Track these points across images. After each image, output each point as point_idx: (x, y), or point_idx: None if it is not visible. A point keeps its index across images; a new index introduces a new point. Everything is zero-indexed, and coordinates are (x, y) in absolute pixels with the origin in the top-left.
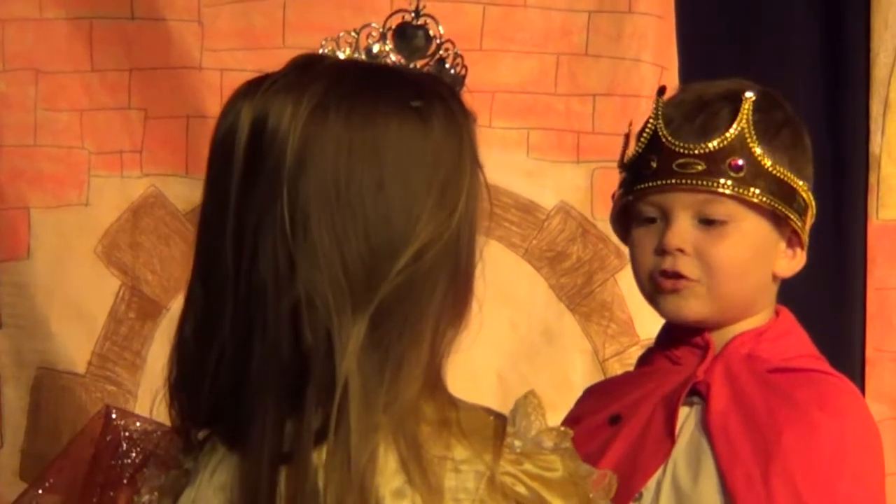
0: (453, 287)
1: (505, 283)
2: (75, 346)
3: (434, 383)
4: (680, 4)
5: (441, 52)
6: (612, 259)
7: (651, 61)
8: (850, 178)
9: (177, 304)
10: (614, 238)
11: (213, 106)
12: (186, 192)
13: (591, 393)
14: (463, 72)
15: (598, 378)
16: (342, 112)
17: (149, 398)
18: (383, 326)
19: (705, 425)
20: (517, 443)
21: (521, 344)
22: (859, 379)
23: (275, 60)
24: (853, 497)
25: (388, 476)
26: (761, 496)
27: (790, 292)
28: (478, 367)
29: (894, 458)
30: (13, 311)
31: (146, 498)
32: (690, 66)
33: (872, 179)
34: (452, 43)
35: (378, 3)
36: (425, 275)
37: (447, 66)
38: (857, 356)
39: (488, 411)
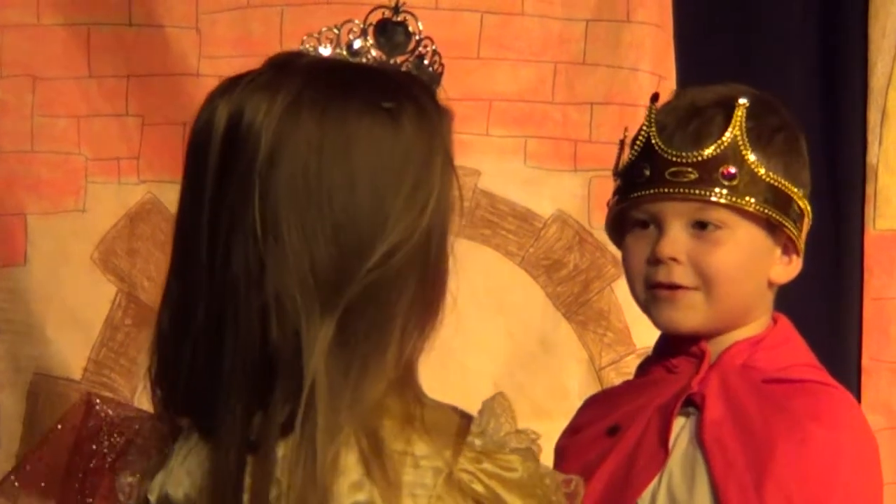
0: (422, 287)
1: (501, 291)
2: (71, 353)
3: (403, 380)
4: (678, 14)
5: (420, 48)
6: (608, 268)
7: (649, 70)
8: (848, 189)
9: None
10: (611, 247)
11: None
12: None
13: (591, 403)
14: (440, 69)
15: (594, 387)
16: (315, 111)
17: (144, 404)
18: (351, 326)
19: (700, 436)
20: (478, 441)
21: (517, 352)
22: (855, 389)
23: None
24: None
25: (348, 469)
26: None
27: (787, 302)
28: (474, 374)
29: (892, 467)
30: (9, 316)
31: (129, 479)
32: (688, 76)
33: (869, 190)
34: (431, 40)
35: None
36: (395, 275)
37: (426, 62)
38: (854, 366)
39: (455, 410)
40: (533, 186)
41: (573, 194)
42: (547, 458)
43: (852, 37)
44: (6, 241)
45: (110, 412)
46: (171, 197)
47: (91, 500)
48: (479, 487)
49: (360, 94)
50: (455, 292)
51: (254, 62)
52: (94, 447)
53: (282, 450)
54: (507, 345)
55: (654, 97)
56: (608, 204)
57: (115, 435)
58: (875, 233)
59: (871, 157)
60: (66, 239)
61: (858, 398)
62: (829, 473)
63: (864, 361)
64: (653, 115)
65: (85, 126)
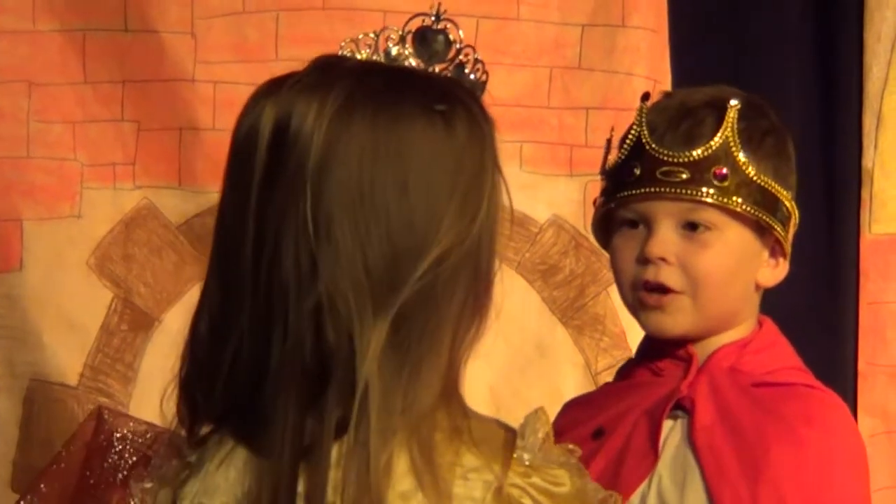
0: (473, 293)
1: (497, 296)
2: (67, 358)
3: (451, 391)
4: (673, 18)
5: (461, 56)
6: (604, 272)
7: (644, 75)
8: (843, 193)
9: (169, 317)
10: (603, 248)
11: (206, 118)
12: (179, 205)
13: (571, 406)
14: (484, 77)
15: (590, 391)
16: (367, 114)
17: (141, 410)
18: (403, 330)
19: (691, 441)
20: (526, 455)
21: (513, 357)
22: (852, 393)
23: (268, 73)
24: None
25: (397, 478)
26: None
27: (783, 306)
28: (470, 379)
29: (889, 471)
30: (5, 322)
31: (147, 485)
32: (683, 80)
33: (865, 194)
34: (473, 48)
35: (370, 17)
36: (446, 280)
37: (467, 71)
38: (850, 370)
39: (499, 423)
40: (529, 191)
41: (569, 199)
42: None
43: (847, 42)
44: (1, 247)
45: (122, 426)
46: (167, 202)
47: None
48: (527, 502)
49: (412, 96)
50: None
51: (249, 67)
52: (104, 463)
53: (335, 454)
54: (504, 349)
55: (645, 96)
56: (595, 203)
57: (126, 449)
58: (871, 237)
59: (867, 161)
60: (61, 244)
61: (854, 402)
62: (824, 477)
63: (861, 366)
64: (643, 115)
65: (80, 131)
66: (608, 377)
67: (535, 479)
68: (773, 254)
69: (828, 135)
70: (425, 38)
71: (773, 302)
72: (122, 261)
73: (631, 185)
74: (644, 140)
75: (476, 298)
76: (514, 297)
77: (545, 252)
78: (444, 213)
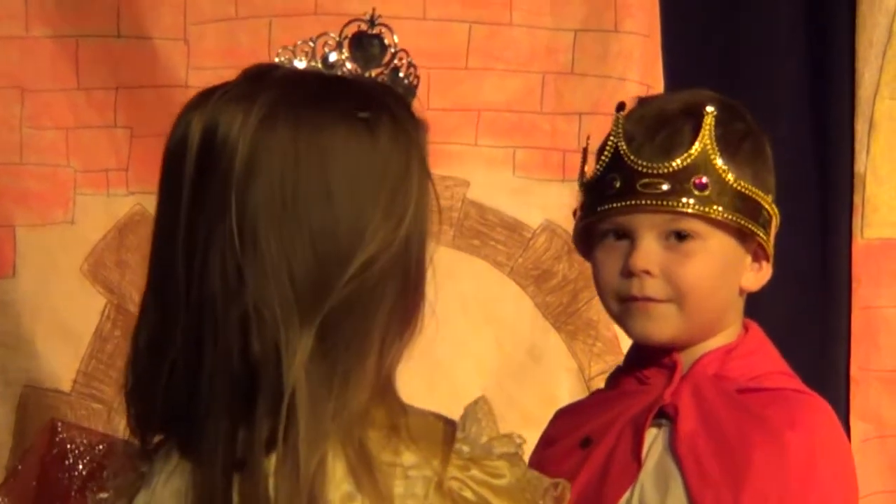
0: (402, 296)
1: (490, 301)
2: (61, 365)
3: (384, 389)
4: (666, 23)
5: (396, 61)
6: None
7: (637, 80)
8: (835, 198)
9: None
10: (585, 258)
11: None
12: None
13: (562, 414)
14: (416, 81)
15: (583, 396)
16: (289, 123)
17: None
18: (331, 337)
19: (674, 448)
20: (465, 448)
21: (506, 362)
22: (844, 398)
23: None
24: None
25: (337, 482)
26: None
27: (776, 311)
28: (463, 385)
29: (882, 476)
30: None
31: (102, 496)
32: (676, 85)
33: (857, 199)
34: (406, 52)
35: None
36: (373, 285)
37: (401, 75)
38: (842, 375)
39: (438, 417)
40: (521, 196)
41: (562, 204)
42: None
43: (839, 47)
44: None
45: (75, 438)
46: None
47: None
48: (468, 495)
49: (336, 104)
50: (433, 301)
51: None
52: (59, 476)
53: (267, 465)
54: (497, 355)
55: (620, 106)
56: (574, 215)
57: (80, 461)
58: (863, 242)
59: (859, 166)
60: (55, 251)
61: (847, 407)
62: (807, 481)
63: (853, 371)
64: (620, 125)
65: (73, 138)
66: (601, 382)
67: (475, 472)
68: (755, 258)
69: (820, 140)
70: (361, 43)
71: (765, 307)
72: (116, 267)
73: (612, 199)
74: (622, 151)
75: (406, 302)
76: (506, 302)
77: (538, 257)
78: (369, 220)
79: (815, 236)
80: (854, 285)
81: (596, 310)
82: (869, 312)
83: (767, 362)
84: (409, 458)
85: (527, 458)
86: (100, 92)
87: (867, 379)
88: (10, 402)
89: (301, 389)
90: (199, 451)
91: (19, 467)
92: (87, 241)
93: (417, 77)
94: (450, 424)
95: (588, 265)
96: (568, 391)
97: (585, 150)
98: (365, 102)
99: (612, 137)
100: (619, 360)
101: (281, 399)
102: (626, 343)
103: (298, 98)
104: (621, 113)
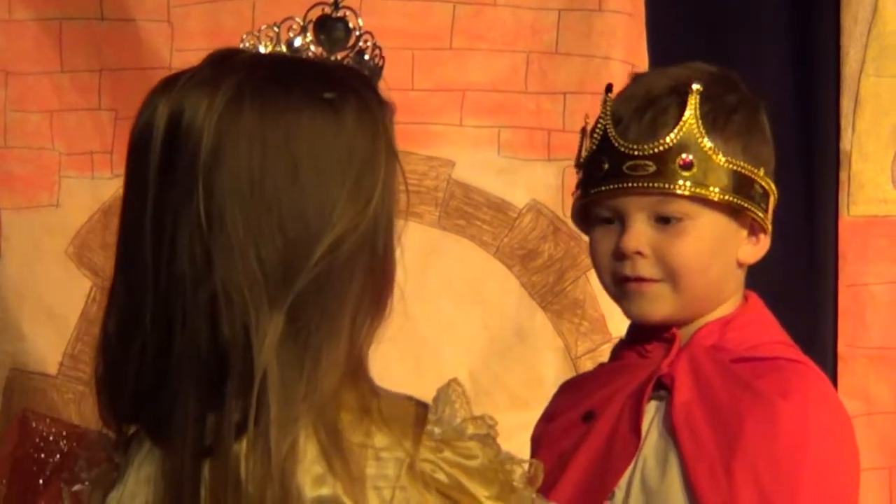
0: (371, 277)
1: (476, 281)
2: (47, 347)
3: (355, 372)
4: (650, 2)
5: (360, 43)
6: (583, 257)
7: (621, 59)
8: (821, 175)
9: None
10: (586, 236)
11: None
12: None
13: (565, 388)
14: (381, 63)
15: (570, 376)
16: (255, 106)
17: None
18: (301, 319)
19: (669, 419)
20: (437, 430)
21: (492, 342)
22: (832, 376)
23: None
24: (818, 487)
25: (308, 464)
26: (724, 489)
27: (762, 289)
28: (449, 365)
29: (870, 454)
30: None
31: (77, 487)
32: (660, 64)
33: (843, 176)
34: (371, 34)
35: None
36: (342, 266)
37: (366, 57)
38: (830, 353)
39: (410, 399)
40: (507, 176)
41: (547, 184)
42: (524, 448)
43: (825, 24)
44: None
45: (45, 430)
46: None
47: None
48: (441, 476)
49: (301, 86)
50: (420, 283)
51: None
52: (31, 468)
53: (238, 449)
54: (483, 335)
55: (609, 87)
56: (573, 195)
57: (52, 453)
58: (849, 219)
59: (845, 143)
60: (39, 234)
61: (835, 385)
62: (799, 451)
63: (840, 348)
64: (608, 107)
65: (58, 121)
66: (588, 362)
67: (447, 454)
68: (752, 231)
69: (805, 117)
70: (325, 27)
71: (751, 284)
72: (101, 249)
73: (601, 181)
74: (610, 133)
75: (375, 282)
76: (492, 282)
77: (524, 237)
78: (336, 200)
79: (801, 213)
80: (840, 262)
81: (582, 289)
82: (855, 290)
83: (765, 332)
84: (380, 439)
85: (510, 440)
86: (84, 74)
87: (854, 356)
88: None
89: (272, 372)
90: (168, 436)
91: None
92: (73, 223)
93: (383, 58)
94: (421, 406)
95: (573, 245)
96: (554, 371)
97: (584, 130)
98: (330, 84)
99: (601, 119)
100: (606, 339)
101: (251, 382)
102: (612, 322)
103: (263, 81)
104: (609, 94)
